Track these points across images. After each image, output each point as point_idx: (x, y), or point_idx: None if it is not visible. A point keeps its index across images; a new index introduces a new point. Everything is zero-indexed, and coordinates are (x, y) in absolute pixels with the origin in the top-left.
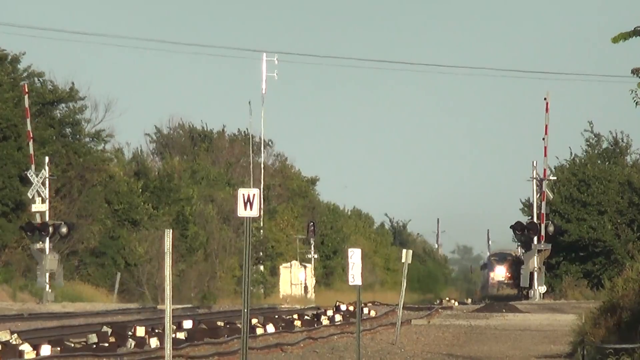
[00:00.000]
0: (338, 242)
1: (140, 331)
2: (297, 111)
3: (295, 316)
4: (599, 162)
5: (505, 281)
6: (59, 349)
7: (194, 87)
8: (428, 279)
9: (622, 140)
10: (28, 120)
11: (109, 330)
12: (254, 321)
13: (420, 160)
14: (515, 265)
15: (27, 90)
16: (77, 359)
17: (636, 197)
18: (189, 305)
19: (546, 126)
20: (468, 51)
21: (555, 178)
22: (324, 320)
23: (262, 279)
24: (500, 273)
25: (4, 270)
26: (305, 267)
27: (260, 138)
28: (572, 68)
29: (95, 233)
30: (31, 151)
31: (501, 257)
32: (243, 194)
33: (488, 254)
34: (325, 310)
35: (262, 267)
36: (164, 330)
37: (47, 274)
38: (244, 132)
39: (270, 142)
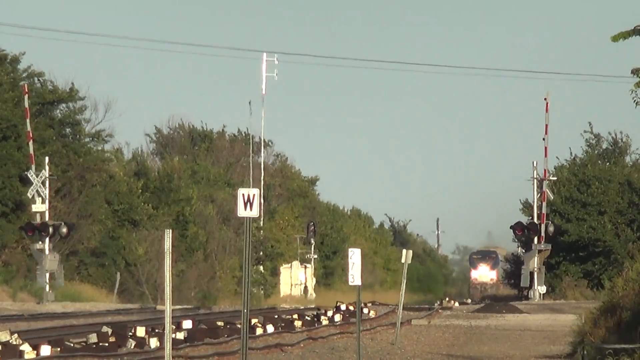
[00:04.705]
0: (338, 242)
1: (140, 331)
2: (297, 111)
3: (295, 316)
4: (599, 162)
5: (490, 282)
6: (59, 349)
7: (194, 87)
8: (428, 279)
9: (622, 141)
10: (28, 121)
11: (109, 330)
12: (254, 321)
13: (420, 160)
14: (499, 263)
15: (27, 90)
16: (77, 359)
17: (636, 197)
18: (189, 306)
19: (546, 126)
20: (468, 51)
21: (555, 178)
22: (324, 321)
23: (263, 280)
24: (483, 273)
25: (4, 271)
26: (305, 267)
27: (260, 138)
28: (572, 68)
29: (95, 233)
30: (31, 151)
31: (484, 256)
32: (243, 194)
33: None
34: (325, 311)
35: (262, 268)
36: (164, 330)
37: (47, 274)
38: (244, 132)
39: (270, 142)
